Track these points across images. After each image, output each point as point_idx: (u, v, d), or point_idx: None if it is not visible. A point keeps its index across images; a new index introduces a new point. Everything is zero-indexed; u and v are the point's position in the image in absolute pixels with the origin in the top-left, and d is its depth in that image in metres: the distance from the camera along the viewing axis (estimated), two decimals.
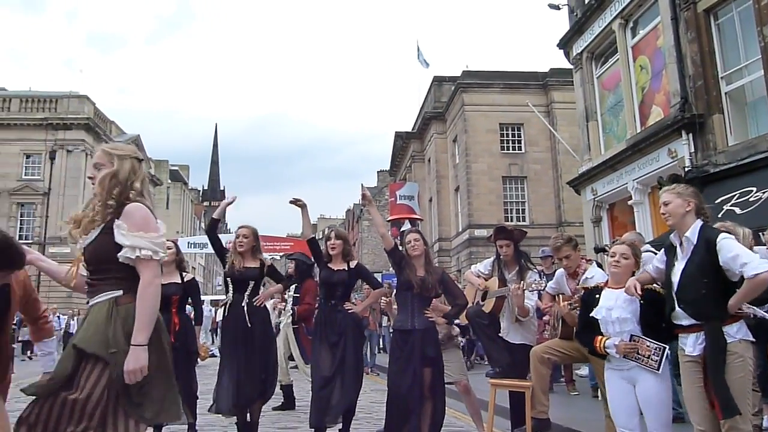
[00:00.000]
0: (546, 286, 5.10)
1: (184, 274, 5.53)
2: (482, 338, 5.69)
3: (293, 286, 7.44)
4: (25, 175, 31.79)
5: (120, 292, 2.50)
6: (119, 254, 2.47)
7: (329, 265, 5.34)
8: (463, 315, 5.40)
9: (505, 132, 28.56)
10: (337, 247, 5.32)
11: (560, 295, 4.94)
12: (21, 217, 31.66)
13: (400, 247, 4.93)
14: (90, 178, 2.68)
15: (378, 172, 58.99)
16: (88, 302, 2.56)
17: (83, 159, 32.36)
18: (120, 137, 37.78)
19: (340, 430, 5.21)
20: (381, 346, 14.98)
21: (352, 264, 5.39)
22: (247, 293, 5.22)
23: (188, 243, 22.36)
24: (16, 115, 32.07)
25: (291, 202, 5.34)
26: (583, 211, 15.92)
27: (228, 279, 5.32)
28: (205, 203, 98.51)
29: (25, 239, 31.35)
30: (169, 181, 55.61)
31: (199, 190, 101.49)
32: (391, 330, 11.19)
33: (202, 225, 70.93)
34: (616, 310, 3.59)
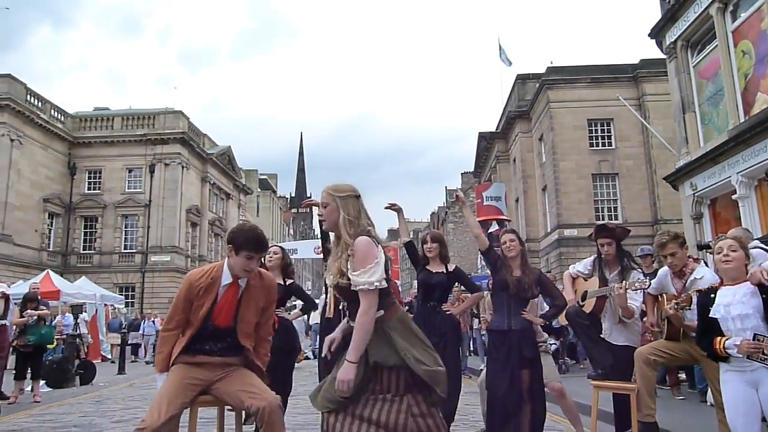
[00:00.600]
0: (650, 285, 4.89)
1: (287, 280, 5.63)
2: (583, 339, 5.54)
3: None
4: (128, 188, 33.94)
5: (381, 312, 2.85)
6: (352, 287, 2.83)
7: (427, 267, 5.38)
8: (562, 316, 5.27)
9: (593, 128, 27.69)
10: (434, 250, 5.37)
11: (664, 295, 4.74)
12: (125, 228, 33.79)
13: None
14: (319, 215, 3.16)
15: (462, 173, 58.63)
16: (349, 322, 2.97)
17: (180, 171, 34.15)
18: (212, 149, 39.55)
19: None
20: (471, 348, 14.87)
21: (450, 267, 5.41)
22: None
23: None
24: (118, 133, 34.36)
25: (387, 207, 5.41)
26: (681, 207, 15.18)
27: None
28: (293, 210, 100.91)
29: (130, 249, 33.43)
30: (259, 190, 57.66)
31: (287, 198, 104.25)
32: (483, 332, 11.00)
33: (291, 231, 72.78)
34: (736, 306, 3.34)
